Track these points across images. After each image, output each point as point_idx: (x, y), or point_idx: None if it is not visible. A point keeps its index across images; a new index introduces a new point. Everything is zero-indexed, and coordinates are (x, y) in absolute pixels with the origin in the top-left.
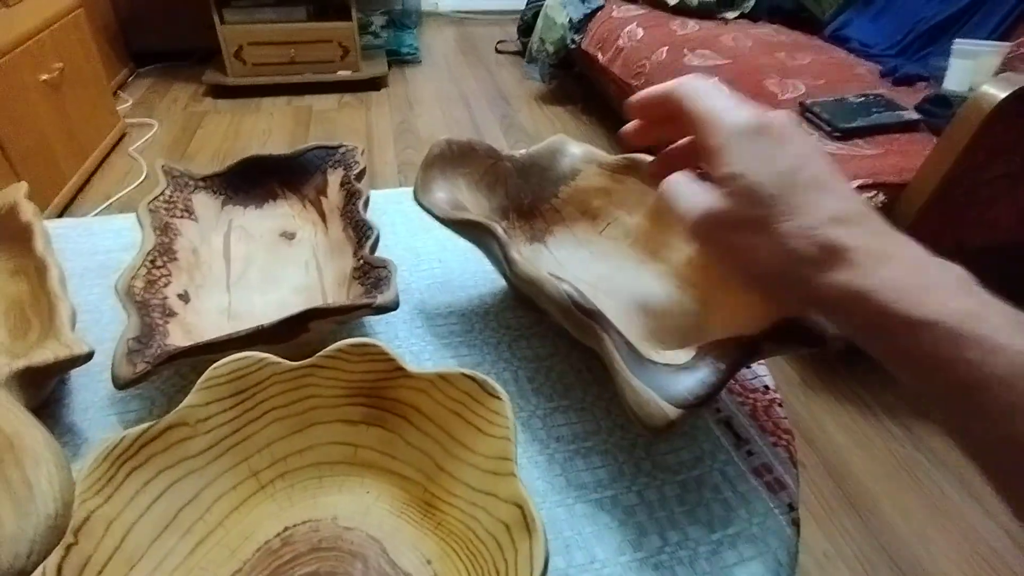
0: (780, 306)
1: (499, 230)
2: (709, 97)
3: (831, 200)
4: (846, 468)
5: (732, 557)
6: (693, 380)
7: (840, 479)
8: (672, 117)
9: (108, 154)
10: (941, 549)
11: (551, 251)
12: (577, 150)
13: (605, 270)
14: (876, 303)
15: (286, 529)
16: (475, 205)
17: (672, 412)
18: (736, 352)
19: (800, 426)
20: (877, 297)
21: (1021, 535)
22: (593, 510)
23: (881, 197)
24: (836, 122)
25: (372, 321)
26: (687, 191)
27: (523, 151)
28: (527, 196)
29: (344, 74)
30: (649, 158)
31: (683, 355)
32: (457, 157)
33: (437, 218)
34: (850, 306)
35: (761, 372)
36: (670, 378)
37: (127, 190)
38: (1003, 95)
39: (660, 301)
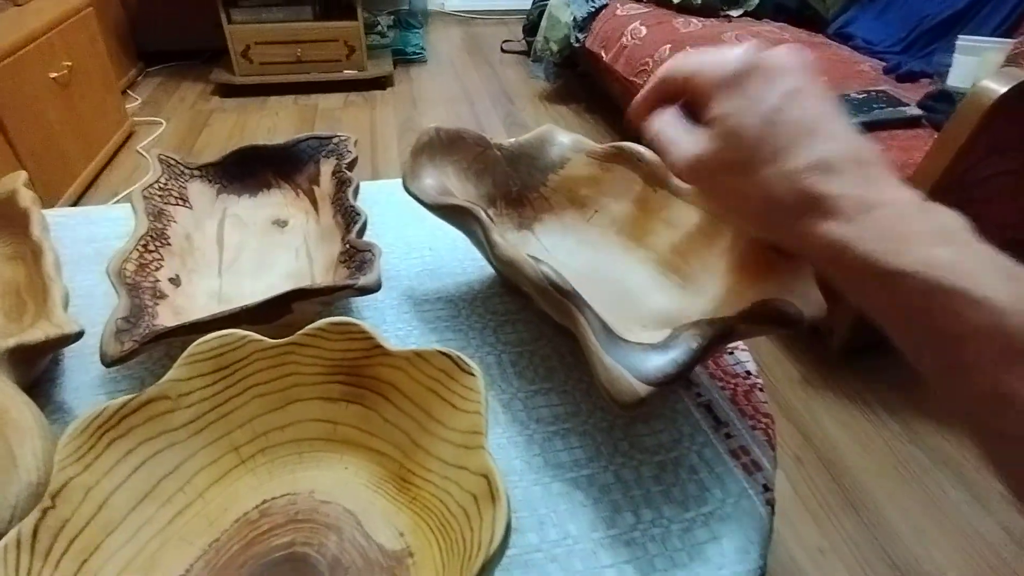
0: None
1: (482, 214)
2: (698, 55)
3: (817, 144)
4: (844, 465)
5: (704, 535)
6: (664, 359)
7: (838, 475)
8: (676, 97)
9: (116, 152)
10: (938, 546)
11: (538, 238)
12: (566, 139)
13: (591, 257)
14: (855, 252)
15: (264, 502)
16: (463, 192)
17: (642, 389)
18: (710, 332)
19: (798, 423)
20: (856, 247)
21: (1019, 532)
22: (569, 488)
23: None
24: None
25: (360, 306)
26: (674, 135)
27: (512, 140)
28: (515, 184)
29: (350, 73)
30: (640, 147)
31: (659, 336)
32: (446, 145)
33: (424, 204)
34: (831, 255)
35: (743, 358)
36: (642, 356)
37: (135, 187)
38: (1003, 90)
39: (644, 286)
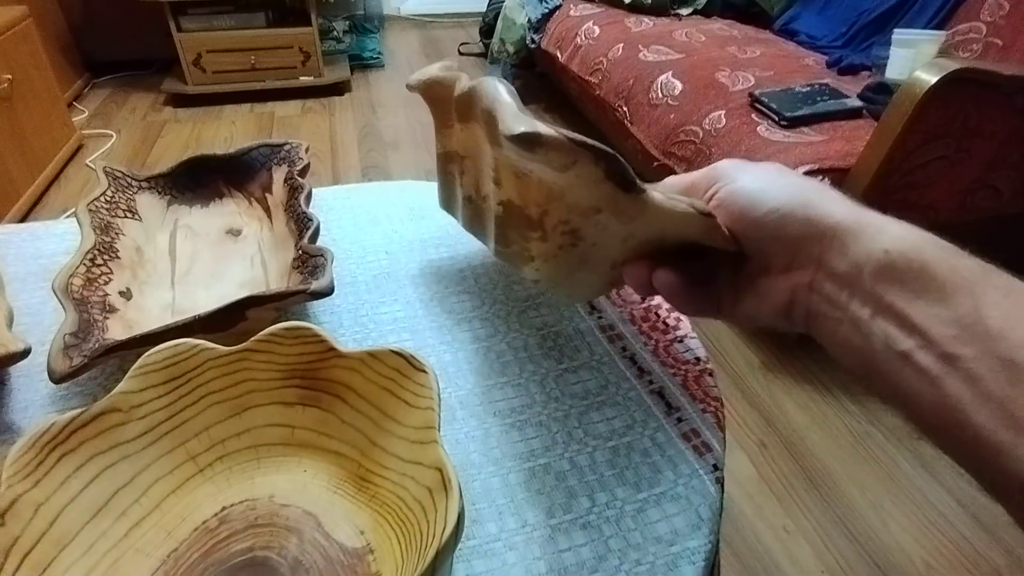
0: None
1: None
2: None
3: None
4: (804, 446)
5: (656, 514)
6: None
7: (799, 456)
8: None
9: (64, 166)
10: (895, 518)
11: None
12: None
13: None
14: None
15: (223, 509)
16: None
17: (542, 128)
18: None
19: (760, 407)
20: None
21: (968, 501)
22: (526, 478)
23: (827, 181)
24: (783, 111)
25: (317, 311)
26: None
27: None
28: None
29: (306, 80)
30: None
31: None
32: None
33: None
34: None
35: (693, 345)
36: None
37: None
38: (934, 80)
39: None
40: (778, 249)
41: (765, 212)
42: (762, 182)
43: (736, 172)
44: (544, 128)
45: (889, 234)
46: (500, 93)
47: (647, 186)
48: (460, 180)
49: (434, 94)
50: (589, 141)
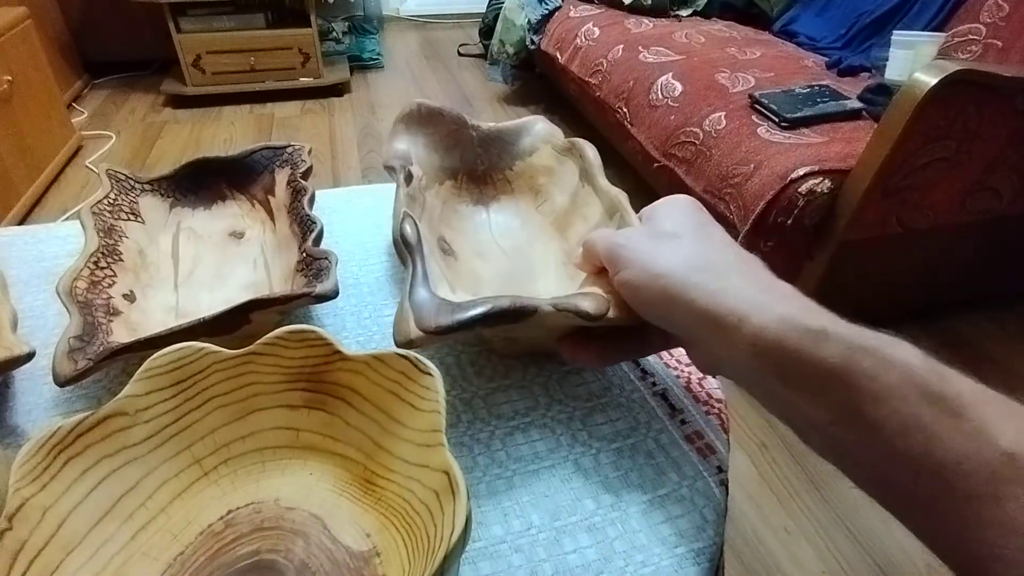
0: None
1: (402, 175)
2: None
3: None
4: (805, 446)
5: (660, 516)
6: (451, 314)
7: (800, 457)
8: None
9: (64, 167)
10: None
11: (490, 214)
12: (542, 129)
13: (523, 239)
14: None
15: (229, 512)
16: (427, 162)
17: (414, 333)
18: (503, 304)
19: (761, 408)
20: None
21: None
22: (531, 480)
23: (827, 183)
24: (783, 112)
25: (320, 314)
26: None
27: (492, 124)
28: (483, 164)
29: (306, 81)
30: (583, 143)
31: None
32: (424, 118)
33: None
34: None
35: None
36: (437, 307)
37: (85, 203)
38: (934, 81)
39: (542, 272)
40: (668, 332)
41: (641, 308)
42: (640, 276)
43: (630, 258)
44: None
45: (751, 325)
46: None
47: (538, 303)
48: None
49: None
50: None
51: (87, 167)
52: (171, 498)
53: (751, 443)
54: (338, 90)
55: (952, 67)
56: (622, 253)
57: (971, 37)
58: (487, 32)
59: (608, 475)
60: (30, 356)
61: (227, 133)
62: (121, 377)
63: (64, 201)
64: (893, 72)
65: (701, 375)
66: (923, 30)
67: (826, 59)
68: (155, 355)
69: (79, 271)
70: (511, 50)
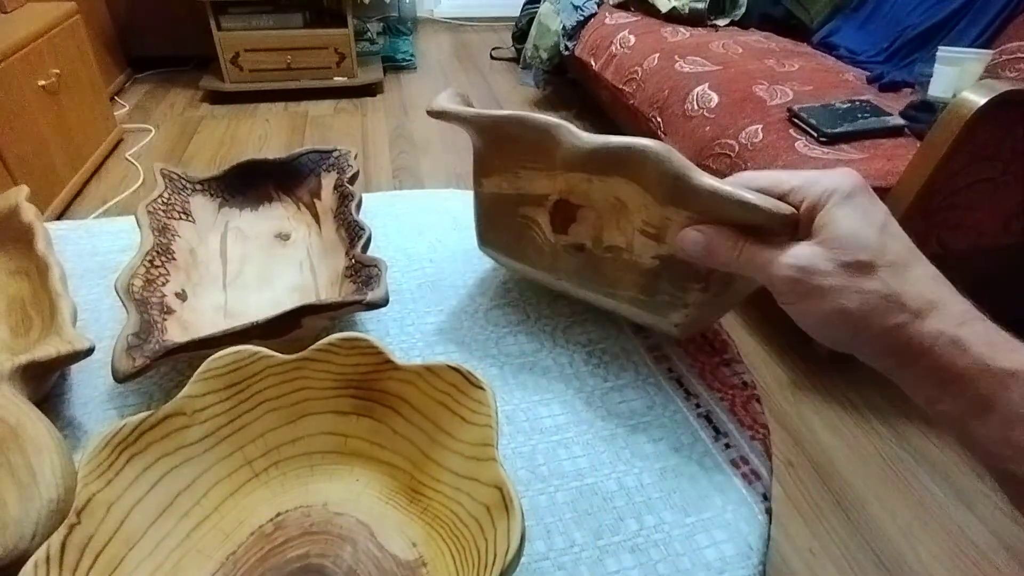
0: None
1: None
2: (781, 173)
3: (923, 260)
4: (833, 467)
5: (705, 540)
6: None
7: (827, 478)
8: None
9: (105, 159)
10: (926, 546)
11: None
12: None
13: None
14: (971, 351)
15: (279, 514)
16: None
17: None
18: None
19: (788, 427)
20: (970, 345)
21: (1005, 533)
22: (573, 497)
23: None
24: (823, 127)
25: (364, 319)
26: (764, 247)
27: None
28: None
29: (340, 80)
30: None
31: None
32: None
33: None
34: (940, 352)
35: (740, 370)
36: None
37: (124, 194)
38: (982, 101)
39: None
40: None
41: (825, 339)
42: (832, 317)
43: (820, 290)
44: (752, 196)
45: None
46: (681, 158)
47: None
48: (546, 226)
49: (503, 133)
50: (775, 204)
51: (127, 159)
52: (223, 498)
53: (777, 461)
54: (371, 90)
55: (1001, 87)
56: (811, 282)
57: (1020, 55)
58: (520, 36)
59: (651, 496)
60: (90, 351)
61: (262, 130)
62: (171, 374)
63: (104, 192)
64: (937, 89)
65: (746, 397)
66: (969, 46)
67: (867, 73)
68: (212, 357)
69: (136, 268)
70: (545, 55)
